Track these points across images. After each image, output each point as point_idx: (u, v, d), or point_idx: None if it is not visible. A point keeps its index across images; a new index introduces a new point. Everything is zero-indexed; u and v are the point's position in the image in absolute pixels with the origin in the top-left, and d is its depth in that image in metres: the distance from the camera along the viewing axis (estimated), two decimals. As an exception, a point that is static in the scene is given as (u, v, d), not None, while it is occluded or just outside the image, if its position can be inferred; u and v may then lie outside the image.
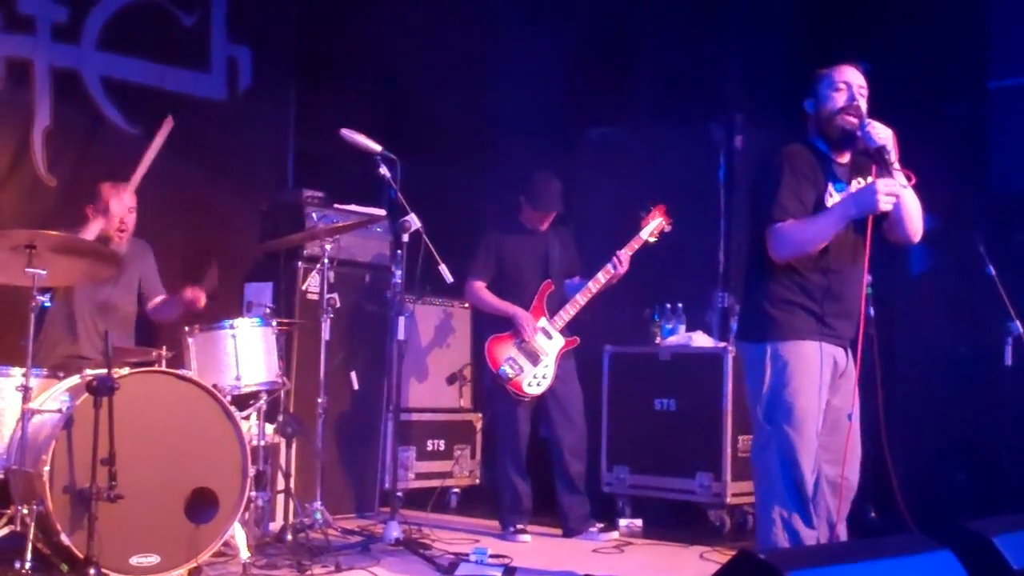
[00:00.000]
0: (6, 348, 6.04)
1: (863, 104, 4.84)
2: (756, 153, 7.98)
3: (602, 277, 6.91)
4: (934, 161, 7.17)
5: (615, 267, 6.88)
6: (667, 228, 7.03)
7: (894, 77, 7.48)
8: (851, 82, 4.84)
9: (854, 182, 4.89)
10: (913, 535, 4.01)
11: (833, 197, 4.83)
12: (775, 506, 4.74)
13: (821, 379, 4.80)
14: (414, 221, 6.39)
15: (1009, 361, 6.21)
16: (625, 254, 6.89)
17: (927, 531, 3.78)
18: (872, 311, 6.05)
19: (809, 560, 3.36)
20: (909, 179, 4.72)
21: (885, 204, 4.59)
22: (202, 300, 6.42)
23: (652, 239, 6.99)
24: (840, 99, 4.83)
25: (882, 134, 4.68)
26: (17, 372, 5.47)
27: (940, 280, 7.22)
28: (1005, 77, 7.65)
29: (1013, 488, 6.51)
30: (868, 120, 4.73)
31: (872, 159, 4.74)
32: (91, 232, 6.19)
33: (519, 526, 6.97)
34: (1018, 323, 6.03)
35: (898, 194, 4.62)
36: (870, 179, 4.75)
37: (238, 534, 5.56)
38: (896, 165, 4.68)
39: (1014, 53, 7.62)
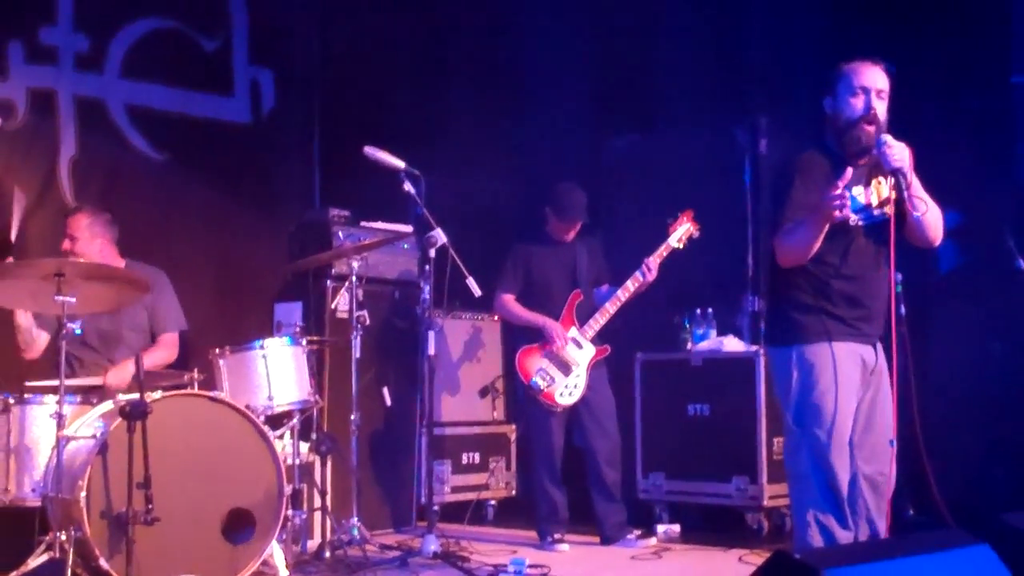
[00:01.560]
0: (35, 377, 6.06)
1: (882, 110, 4.75)
2: (783, 154, 7.98)
3: (631, 285, 6.90)
4: (959, 156, 7.18)
5: (644, 275, 6.87)
6: (695, 234, 7.01)
7: (918, 73, 7.48)
8: (870, 87, 4.73)
9: (874, 182, 4.80)
10: (950, 530, 4.00)
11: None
12: (809, 508, 4.73)
13: (849, 379, 4.77)
14: (440, 236, 6.40)
15: (1042, 355, 6.18)
16: (654, 261, 6.88)
17: (965, 527, 3.77)
18: (903, 309, 6.01)
19: (846, 558, 3.36)
20: (916, 210, 4.57)
21: (836, 213, 4.48)
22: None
23: (680, 245, 6.98)
24: (858, 106, 4.73)
25: (898, 155, 4.54)
26: (51, 400, 5.52)
27: (970, 276, 7.18)
28: (1029, 71, 7.62)
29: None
30: (885, 139, 4.59)
31: (888, 178, 4.66)
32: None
33: (556, 536, 6.96)
34: (1050, 316, 5.99)
35: (845, 203, 4.48)
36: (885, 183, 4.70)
37: (276, 553, 5.58)
38: (915, 188, 4.58)
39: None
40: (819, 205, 4.54)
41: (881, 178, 4.78)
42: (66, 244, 6.37)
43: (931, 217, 4.75)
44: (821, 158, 4.81)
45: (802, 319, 4.81)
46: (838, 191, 4.46)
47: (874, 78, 4.75)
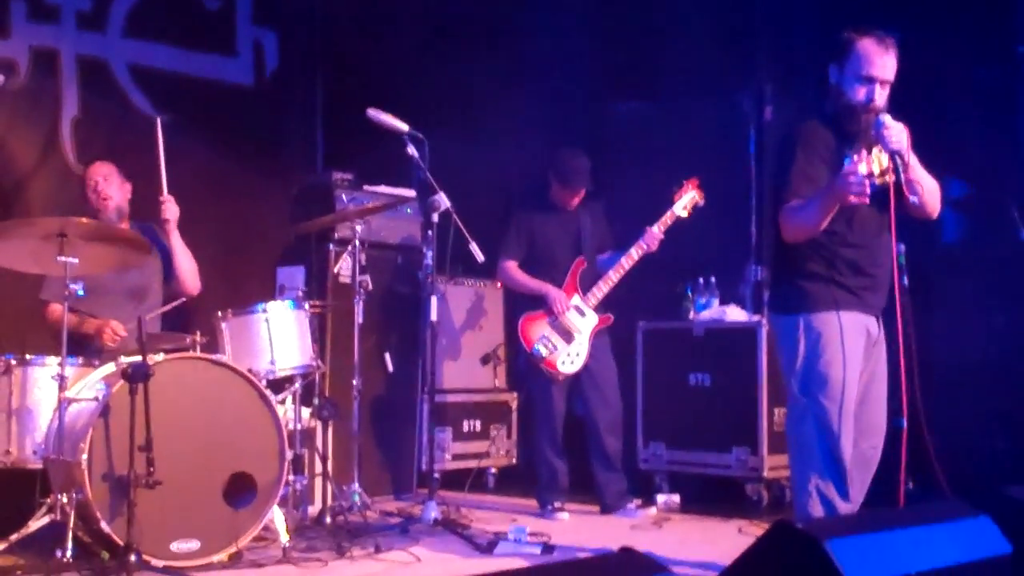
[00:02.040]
0: (37, 339, 6.04)
1: (883, 99, 4.74)
2: (786, 124, 7.95)
3: (635, 253, 6.87)
4: (965, 127, 7.15)
5: (647, 243, 6.84)
6: (700, 202, 6.97)
7: (924, 43, 7.42)
8: (878, 77, 4.71)
9: (875, 150, 4.76)
10: (951, 502, 3.99)
11: None
12: (811, 477, 4.73)
13: (854, 350, 4.78)
14: (443, 200, 6.39)
15: (1047, 328, 6.17)
16: (658, 229, 6.85)
17: (965, 499, 3.77)
18: (906, 280, 6.00)
19: (847, 528, 3.35)
20: (912, 194, 4.59)
21: (855, 199, 4.49)
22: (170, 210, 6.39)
23: (685, 213, 6.95)
24: (862, 94, 4.73)
25: (896, 136, 4.56)
26: (53, 361, 5.51)
27: (973, 247, 7.17)
28: (1035, 42, 7.58)
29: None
30: (884, 120, 4.58)
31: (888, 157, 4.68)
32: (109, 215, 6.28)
33: (557, 504, 6.97)
34: (1053, 288, 5.98)
35: (865, 190, 4.48)
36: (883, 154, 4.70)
37: (277, 518, 5.58)
38: (914, 167, 4.62)
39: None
40: (834, 189, 4.54)
41: (877, 147, 4.76)
42: (105, 184, 6.37)
43: (928, 195, 4.78)
44: (823, 130, 4.81)
45: (810, 287, 4.80)
46: (856, 178, 4.45)
47: (884, 68, 4.73)
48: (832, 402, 4.72)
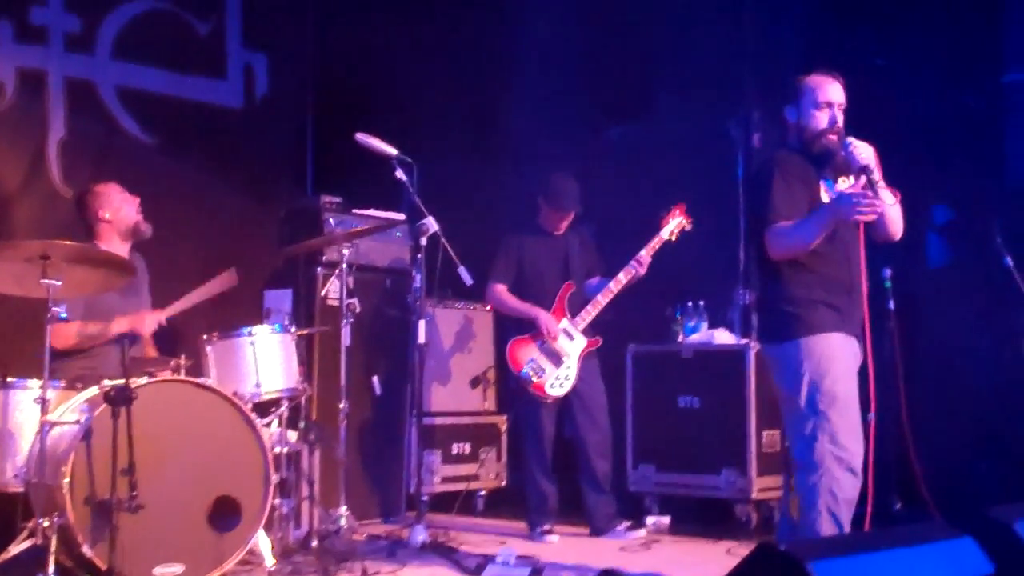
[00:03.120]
0: (20, 361, 6.02)
1: (841, 121, 5.00)
2: (774, 150, 7.97)
3: (623, 277, 6.90)
4: (950, 153, 7.20)
5: (635, 268, 6.87)
6: (688, 227, 7.02)
7: (910, 71, 7.48)
8: (833, 101, 4.99)
9: (840, 179, 5.03)
10: (934, 523, 3.99)
11: (825, 195, 4.96)
12: (822, 495, 4.75)
13: (851, 369, 4.89)
14: (432, 224, 6.40)
15: (1029, 350, 6.18)
16: (646, 254, 6.89)
17: (950, 520, 3.76)
18: (892, 304, 6.02)
19: (830, 550, 3.34)
20: (895, 195, 4.84)
21: (862, 217, 4.70)
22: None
23: (672, 238, 6.99)
24: (823, 119, 4.98)
25: (864, 153, 4.80)
26: (35, 384, 5.48)
27: (959, 272, 7.19)
28: (1019, 71, 7.62)
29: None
30: (850, 140, 4.85)
31: (857, 176, 4.89)
32: (117, 232, 6.25)
33: (546, 527, 6.96)
34: (1036, 312, 5.99)
35: (878, 209, 4.70)
36: (852, 180, 4.92)
37: (262, 541, 5.56)
38: (880, 183, 4.78)
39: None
40: (838, 208, 4.74)
41: (845, 177, 5.04)
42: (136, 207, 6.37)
43: (894, 212, 4.96)
44: (796, 156, 5.03)
45: (803, 312, 4.89)
46: (865, 197, 4.66)
47: (836, 93, 5.04)
48: (843, 418, 4.78)
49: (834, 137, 4.95)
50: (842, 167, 5.00)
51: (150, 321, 6.18)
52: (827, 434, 4.76)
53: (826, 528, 4.73)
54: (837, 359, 4.84)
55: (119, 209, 6.32)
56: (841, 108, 5.01)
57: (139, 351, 6.26)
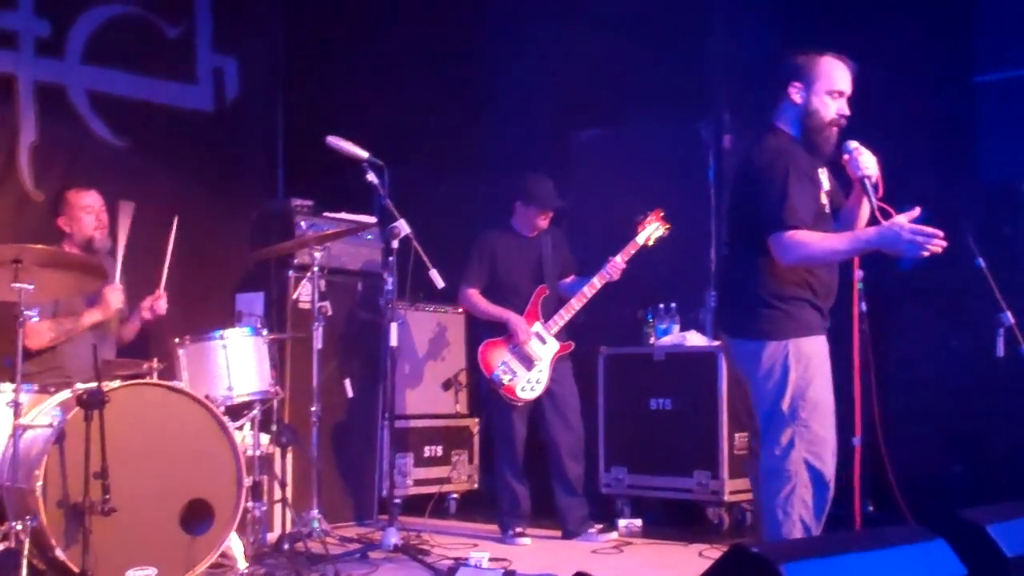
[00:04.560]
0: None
1: (847, 113, 4.82)
2: (744, 151, 7.99)
3: (597, 282, 6.92)
4: (922, 154, 7.22)
5: (610, 273, 6.88)
6: (665, 233, 7.03)
7: (882, 71, 7.50)
8: (845, 91, 4.78)
9: (820, 171, 4.88)
10: (907, 525, 4.01)
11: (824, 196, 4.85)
12: (795, 504, 4.63)
13: (829, 373, 4.78)
14: (404, 227, 6.39)
15: (1001, 352, 6.20)
16: (620, 259, 6.90)
17: (922, 522, 3.78)
18: (864, 306, 6.05)
19: (802, 552, 3.35)
20: (888, 215, 4.61)
21: (910, 252, 4.49)
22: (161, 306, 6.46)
23: (649, 243, 7.00)
24: (832, 108, 4.77)
25: (868, 164, 4.71)
26: (7, 388, 5.45)
27: (930, 273, 7.21)
28: (991, 72, 7.66)
29: (1008, 479, 6.51)
30: (855, 145, 4.73)
31: (855, 184, 4.80)
32: (74, 243, 6.24)
33: (518, 529, 6.96)
34: (1008, 314, 6.01)
35: (935, 250, 4.48)
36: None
37: (235, 544, 5.55)
38: (875, 201, 4.68)
39: (1000, 48, 7.63)
40: (888, 239, 4.50)
41: (822, 169, 4.89)
42: (104, 215, 6.41)
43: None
44: (799, 149, 4.80)
45: (795, 312, 4.74)
46: (923, 237, 4.43)
47: (848, 82, 4.79)
48: (823, 428, 4.67)
49: (835, 130, 4.78)
50: (827, 160, 4.87)
51: (113, 296, 6.19)
52: (805, 443, 4.64)
53: (796, 534, 4.61)
54: (821, 365, 4.72)
55: (78, 219, 6.35)
56: (848, 99, 4.81)
57: (110, 352, 6.25)
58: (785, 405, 4.68)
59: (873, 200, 4.67)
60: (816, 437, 4.66)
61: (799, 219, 4.62)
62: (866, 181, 4.70)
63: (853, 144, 4.75)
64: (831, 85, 4.76)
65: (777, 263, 4.69)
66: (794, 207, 4.62)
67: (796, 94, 4.80)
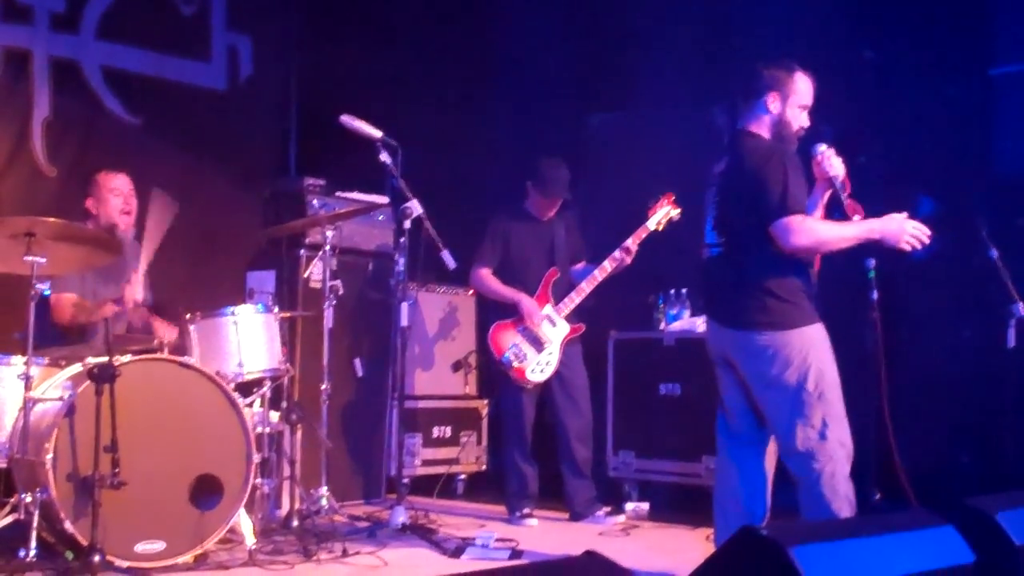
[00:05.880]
0: (4, 338, 6.00)
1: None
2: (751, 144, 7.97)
3: (608, 265, 6.91)
4: (937, 145, 7.19)
5: (621, 257, 6.87)
6: (676, 217, 7.02)
7: (898, 62, 7.48)
8: (810, 105, 5.09)
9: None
10: (916, 511, 4.01)
11: None
12: (841, 482, 4.83)
13: None
14: (416, 207, 6.39)
15: (1012, 343, 6.18)
16: (632, 243, 6.89)
17: (930, 509, 3.78)
18: (875, 295, 6.04)
19: (812, 535, 3.35)
20: (857, 212, 4.95)
21: (905, 245, 4.87)
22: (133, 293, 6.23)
23: (660, 228, 6.99)
24: (802, 120, 5.09)
25: (837, 166, 5.05)
26: (19, 361, 5.48)
27: (943, 264, 7.20)
28: (1007, 63, 7.63)
29: (1016, 469, 6.49)
30: (822, 149, 5.08)
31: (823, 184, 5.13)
32: (98, 226, 6.23)
33: (525, 511, 6.97)
34: (1020, 305, 6.00)
35: (924, 242, 4.88)
36: None
37: (243, 520, 5.57)
38: (845, 198, 4.98)
39: (1016, 40, 7.60)
40: (888, 229, 4.87)
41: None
42: (133, 200, 6.37)
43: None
44: (791, 150, 5.08)
45: (803, 302, 4.94)
46: (921, 231, 4.86)
47: (812, 97, 5.12)
48: (841, 408, 4.90)
49: (797, 139, 5.10)
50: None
51: (130, 291, 6.12)
52: (836, 422, 4.85)
53: (845, 511, 4.81)
54: (829, 351, 4.94)
55: (105, 201, 6.34)
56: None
57: (122, 328, 6.26)
58: (812, 386, 4.85)
59: (843, 197, 4.97)
60: (839, 416, 4.87)
61: (801, 206, 4.87)
62: (835, 180, 5.03)
63: (822, 147, 5.10)
64: (803, 100, 5.08)
65: (782, 250, 4.86)
66: (795, 195, 4.86)
67: (772, 104, 5.08)
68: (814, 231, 4.86)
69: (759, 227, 4.89)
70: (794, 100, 5.05)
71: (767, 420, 5.03)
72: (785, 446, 4.96)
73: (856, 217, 4.93)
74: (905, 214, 4.91)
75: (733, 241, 5.09)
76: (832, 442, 4.83)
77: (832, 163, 5.05)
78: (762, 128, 5.08)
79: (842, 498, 4.81)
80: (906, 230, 4.85)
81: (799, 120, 5.07)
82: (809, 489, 4.87)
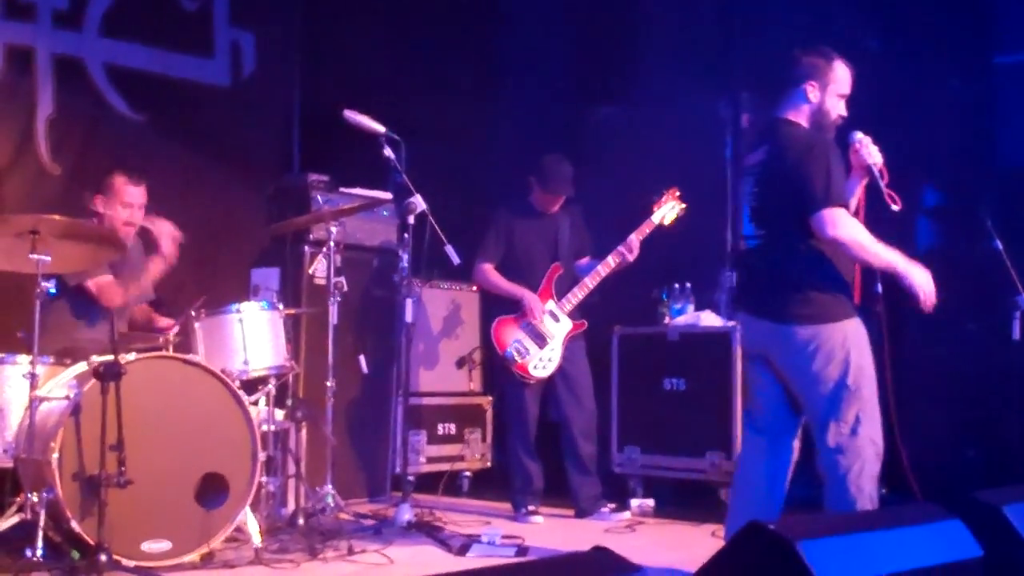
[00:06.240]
0: (9, 337, 5.99)
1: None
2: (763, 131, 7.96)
3: (612, 261, 6.90)
4: (941, 136, 7.18)
5: (625, 252, 6.86)
6: (681, 212, 7.02)
7: (901, 53, 7.47)
8: (848, 94, 5.08)
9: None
10: (924, 505, 4.00)
11: None
12: (867, 480, 4.85)
13: None
14: (419, 203, 6.38)
15: (1017, 335, 6.19)
16: (636, 239, 6.88)
17: (937, 503, 3.78)
18: (879, 287, 6.04)
19: (819, 529, 3.36)
20: (895, 202, 4.95)
21: (921, 296, 4.87)
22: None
23: (664, 223, 6.98)
24: (842, 109, 5.08)
25: (874, 154, 5.04)
26: (24, 360, 5.48)
27: (948, 255, 7.20)
28: (1011, 52, 7.62)
29: (1023, 463, 6.49)
30: (860, 137, 5.07)
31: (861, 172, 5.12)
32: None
33: (531, 507, 6.97)
34: (1026, 296, 6.01)
35: (929, 305, 4.91)
36: None
37: (249, 519, 5.56)
38: (884, 187, 4.97)
39: (1020, 29, 7.59)
40: (915, 276, 4.87)
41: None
42: (139, 214, 6.32)
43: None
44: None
45: (840, 296, 4.96)
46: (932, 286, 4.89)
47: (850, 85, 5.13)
48: (875, 405, 4.92)
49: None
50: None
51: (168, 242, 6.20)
52: (869, 419, 4.87)
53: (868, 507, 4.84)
54: (867, 345, 4.96)
55: (114, 207, 6.26)
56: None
57: (124, 324, 6.25)
58: (851, 381, 4.86)
59: (882, 186, 4.95)
60: (874, 414, 4.88)
61: (842, 198, 4.90)
62: (873, 168, 5.00)
63: (859, 135, 5.07)
64: (841, 88, 5.06)
65: (820, 241, 4.87)
66: (838, 186, 4.87)
67: (812, 93, 5.05)
68: (855, 229, 4.86)
69: (799, 218, 4.88)
70: (833, 88, 5.04)
71: (805, 413, 5.04)
72: (818, 440, 4.96)
73: (895, 207, 4.94)
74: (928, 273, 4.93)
75: (773, 232, 5.07)
76: (863, 439, 4.84)
77: (870, 151, 5.04)
78: (800, 116, 5.06)
79: (866, 497, 4.82)
80: (928, 286, 4.87)
81: (837, 109, 5.06)
82: (835, 484, 4.88)
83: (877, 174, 5.00)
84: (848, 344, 4.88)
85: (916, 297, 4.86)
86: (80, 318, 6.20)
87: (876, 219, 5.08)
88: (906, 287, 4.87)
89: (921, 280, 4.86)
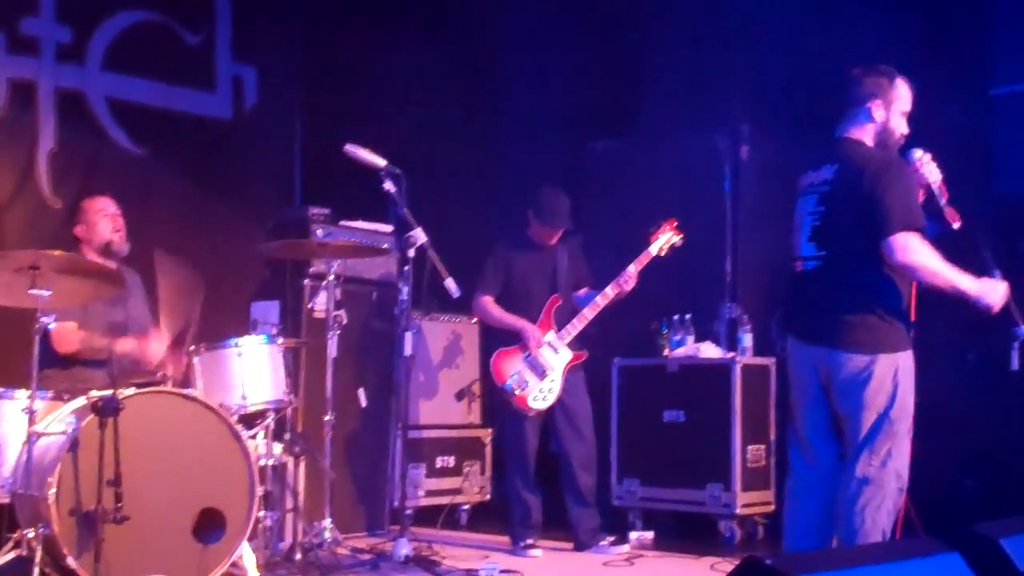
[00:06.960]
0: (9, 372, 5.99)
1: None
2: (763, 163, 7.98)
3: (610, 292, 6.90)
4: (938, 166, 7.18)
5: (623, 283, 6.87)
6: (678, 243, 7.03)
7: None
8: (909, 111, 5.11)
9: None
10: (921, 538, 3.99)
11: None
12: (883, 514, 4.87)
13: None
14: (420, 236, 6.38)
15: (1016, 366, 6.17)
16: (634, 269, 6.88)
17: (935, 535, 3.77)
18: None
19: (817, 564, 3.34)
20: (955, 220, 5.02)
21: (993, 306, 4.94)
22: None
23: (662, 254, 6.99)
24: (904, 127, 5.09)
25: (934, 172, 5.08)
26: (22, 395, 5.47)
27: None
28: (1009, 83, 7.64)
29: (1022, 494, 6.48)
30: (919, 155, 5.09)
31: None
32: (92, 248, 6.23)
33: (529, 541, 6.94)
34: (1024, 328, 6.00)
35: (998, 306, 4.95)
36: None
37: (247, 554, 5.55)
38: (944, 206, 5.04)
39: (1017, 60, 7.61)
40: (984, 294, 4.93)
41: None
42: (119, 219, 6.36)
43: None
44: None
45: (900, 325, 4.95)
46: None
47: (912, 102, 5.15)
48: (907, 444, 4.96)
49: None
50: None
51: (156, 347, 6.15)
52: (899, 453, 4.89)
53: None
54: (913, 380, 4.97)
55: (94, 224, 6.29)
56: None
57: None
58: (893, 414, 4.88)
59: (941, 204, 5.02)
60: (906, 449, 4.91)
61: (920, 222, 4.88)
62: (932, 187, 5.04)
63: (918, 152, 5.10)
64: (904, 106, 5.09)
65: (888, 265, 4.86)
66: (916, 209, 4.89)
67: (876, 111, 5.05)
68: (928, 256, 4.84)
69: (869, 240, 4.85)
70: (897, 107, 5.05)
71: (846, 434, 5.01)
72: (848, 464, 4.95)
73: (955, 224, 4.99)
74: (1006, 284, 4.96)
75: (837, 253, 5.00)
76: (889, 472, 4.86)
77: (930, 169, 5.06)
78: (865, 135, 5.06)
79: (878, 530, 4.83)
80: (1000, 297, 4.93)
81: (901, 127, 5.07)
82: (850, 509, 4.88)
83: (937, 192, 5.04)
84: (899, 377, 4.88)
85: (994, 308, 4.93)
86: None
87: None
88: (983, 308, 4.91)
89: (995, 300, 4.92)
